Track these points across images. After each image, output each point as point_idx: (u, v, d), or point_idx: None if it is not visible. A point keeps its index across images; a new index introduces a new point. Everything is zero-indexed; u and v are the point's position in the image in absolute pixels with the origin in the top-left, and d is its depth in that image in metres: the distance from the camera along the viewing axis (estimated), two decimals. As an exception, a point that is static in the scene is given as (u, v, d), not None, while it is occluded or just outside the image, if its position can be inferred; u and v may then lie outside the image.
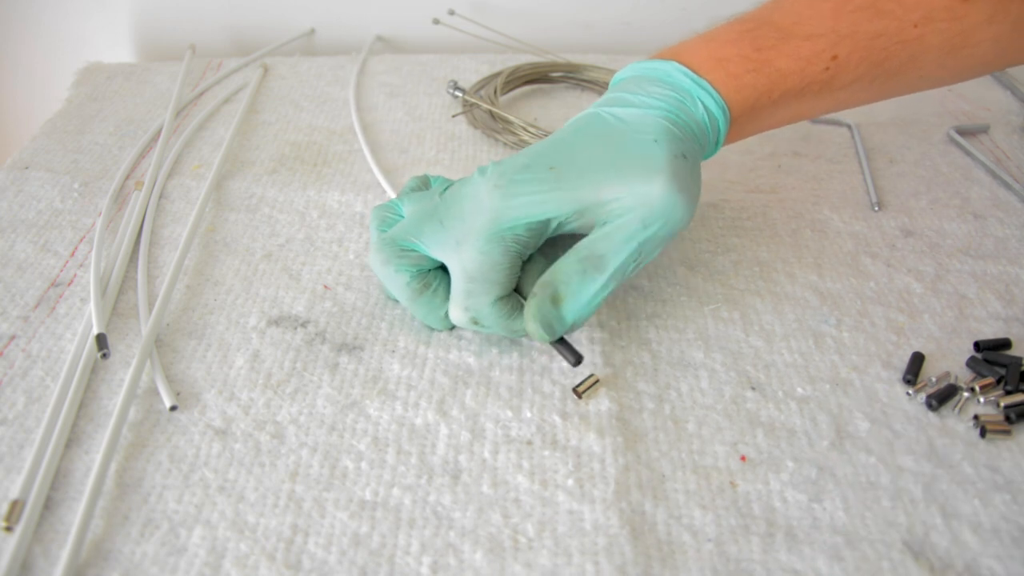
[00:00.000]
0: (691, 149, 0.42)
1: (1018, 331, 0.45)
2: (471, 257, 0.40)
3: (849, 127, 0.65)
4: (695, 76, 0.43)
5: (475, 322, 0.41)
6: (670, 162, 0.40)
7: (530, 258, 0.42)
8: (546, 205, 0.40)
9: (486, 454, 0.38)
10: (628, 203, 0.39)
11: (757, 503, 0.36)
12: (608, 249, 0.39)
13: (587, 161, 0.41)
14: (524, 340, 0.44)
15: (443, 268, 0.43)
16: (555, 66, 0.73)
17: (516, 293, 0.42)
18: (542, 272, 0.42)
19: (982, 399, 0.41)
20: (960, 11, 0.43)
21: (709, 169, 0.58)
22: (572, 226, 0.41)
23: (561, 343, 0.40)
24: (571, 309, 0.39)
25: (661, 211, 0.39)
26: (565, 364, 0.42)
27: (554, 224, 0.41)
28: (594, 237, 0.40)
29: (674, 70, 0.43)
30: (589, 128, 0.42)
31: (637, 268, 0.40)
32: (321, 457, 0.37)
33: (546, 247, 0.44)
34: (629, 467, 0.37)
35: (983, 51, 0.45)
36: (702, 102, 0.43)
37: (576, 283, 0.39)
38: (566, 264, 0.40)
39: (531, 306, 0.39)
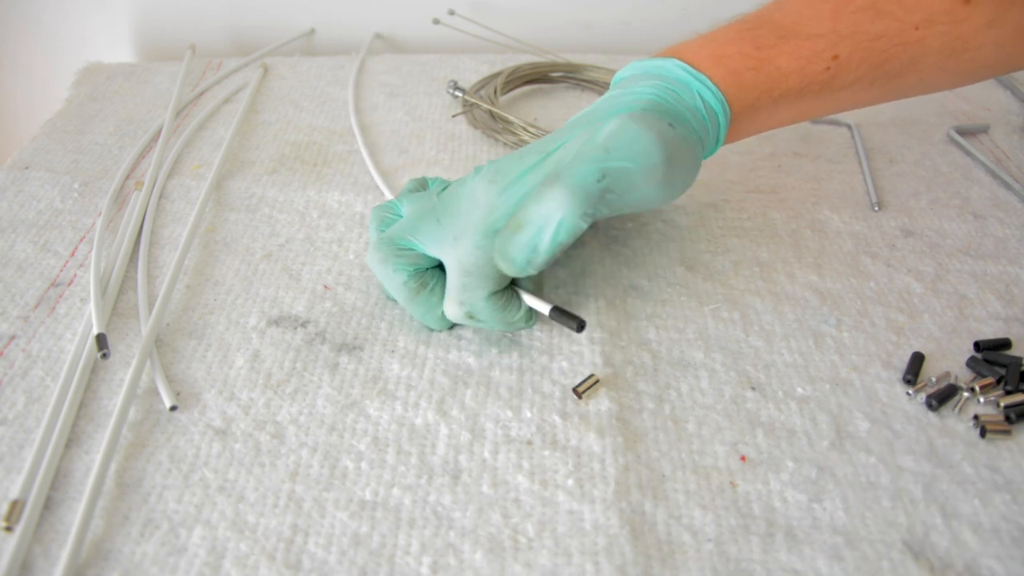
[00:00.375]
0: (683, 127, 0.41)
1: (1018, 331, 0.45)
2: (467, 252, 0.40)
3: (849, 127, 0.65)
4: (695, 72, 0.43)
5: (470, 316, 0.41)
6: (644, 112, 0.40)
7: None
8: (535, 184, 0.40)
9: (486, 454, 0.38)
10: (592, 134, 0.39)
11: (757, 503, 0.36)
12: (566, 165, 0.38)
13: (572, 138, 0.41)
14: (524, 339, 0.44)
15: (440, 267, 0.43)
16: (555, 66, 0.73)
17: (512, 287, 0.42)
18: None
19: (982, 399, 0.41)
20: (961, 14, 0.43)
21: (709, 169, 0.58)
22: None
23: (558, 312, 0.40)
24: (529, 232, 0.37)
25: (626, 140, 0.38)
26: (565, 364, 0.42)
27: None
28: (556, 167, 0.39)
29: (674, 66, 0.43)
30: (582, 120, 0.43)
31: (606, 198, 0.38)
32: (321, 457, 0.37)
33: None
34: (629, 467, 0.37)
35: (984, 55, 0.45)
36: (700, 95, 0.43)
37: (534, 204, 0.38)
38: (530, 195, 0.38)
39: (498, 241, 0.38)
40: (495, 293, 0.40)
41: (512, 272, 0.39)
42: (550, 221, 0.37)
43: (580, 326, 0.39)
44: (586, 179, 0.37)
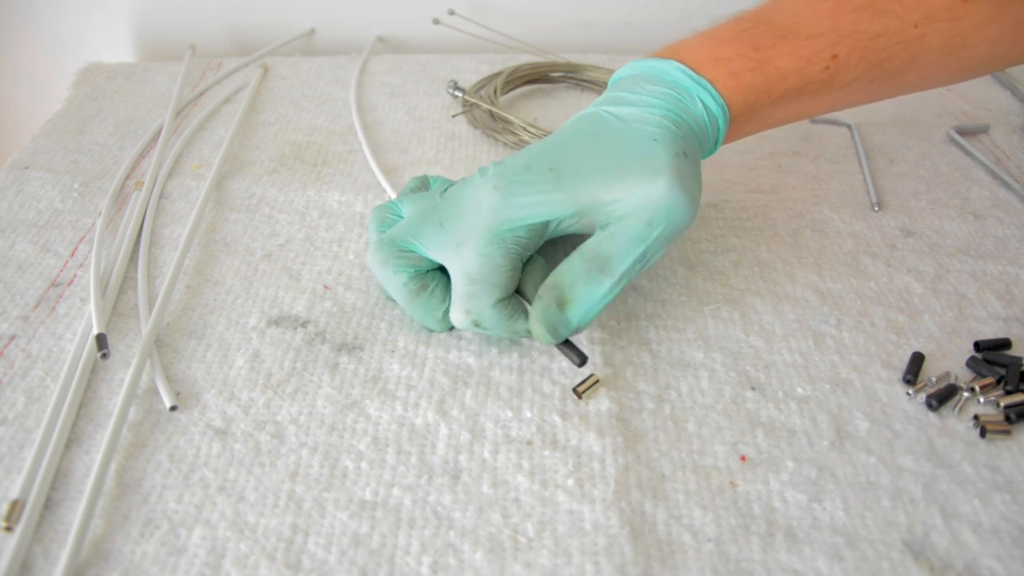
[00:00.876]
0: (691, 147, 0.42)
1: (1018, 331, 0.45)
2: (471, 260, 0.40)
3: (849, 127, 0.65)
4: (694, 74, 0.43)
5: (476, 324, 0.41)
6: (671, 161, 0.39)
7: (530, 259, 0.42)
8: (546, 207, 0.40)
9: (486, 454, 0.38)
10: (631, 204, 0.39)
11: (757, 503, 0.36)
12: (615, 251, 0.39)
13: (586, 162, 0.41)
14: (524, 340, 0.44)
15: (441, 269, 0.43)
16: (555, 66, 0.73)
17: (517, 294, 0.42)
18: (542, 272, 0.42)
19: (982, 399, 0.41)
20: (960, 11, 0.43)
21: (709, 169, 0.58)
22: (573, 228, 0.41)
23: (565, 344, 0.40)
24: (577, 312, 0.39)
25: (665, 212, 0.39)
26: (565, 363, 0.42)
27: (554, 226, 0.40)
28: (599, 238, 0.40)
29: (673, 68, 0.43)
30: (588, 128, 0.42)
31: (642, 270, 0.40)
32: (321, 457, 0.37)
33: (546, 247, 0.44)
34: (629, 467, 0.37)
35: (983, 51, 0.45)
36: (701, 100, 0.43)
37: (582, 286, 0.39)
38: (572, 266, 0.39)
39: (536, 309, 0.39)
40: (501, 301, 0.40)
41: (545, 341, 0.40)
42: (599, 304, 0.40)
43: (582, 361, 0.40)
44: (633, 264, 0.39)
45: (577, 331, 0.40)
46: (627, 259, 0.39)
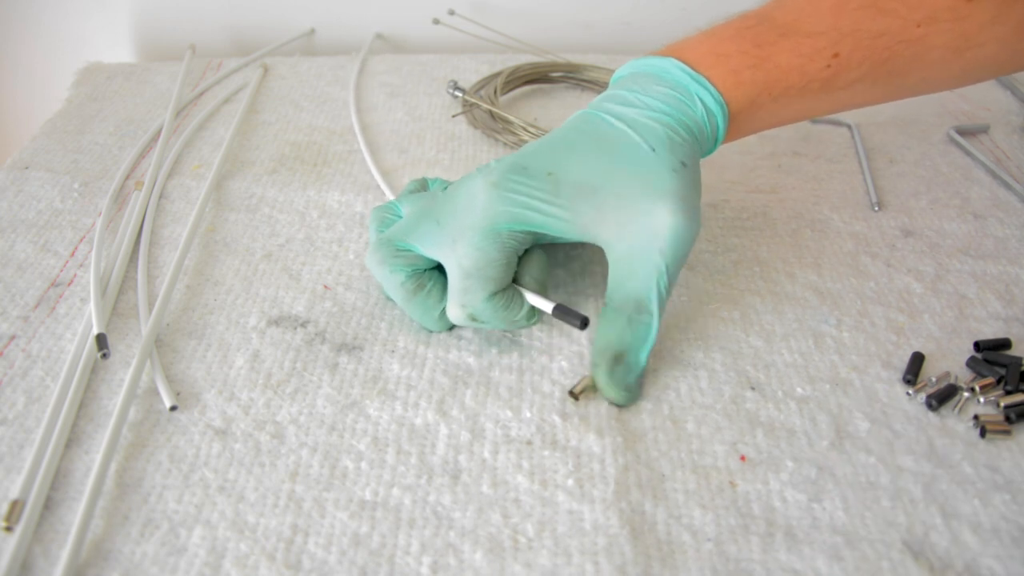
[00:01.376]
0: (690, 152, 0.42)
1: (1018, 331, 0.45)
2: (466, 254, 0.40)
3: (849, 127, 0.65)
4: (694, 73, 0.43)
5: (473, 318, 0.41)
6: (671, 179, 0.39)
7: (527, 250, 0.42)
8: (544, 217, 0.40)
9: (486, 454, 0.38)
10: (637, 238, 0.39)
11: (757, 503, 0.36)
12: (641, 289, 0.39)
13: (584, 172, 0.40)
14: (524, 339, 0.44)
15: (438, 269, 0.43)
16: (555, 66, 0.73)
17: (514, 285, 0.41)
18: (540, 264, 0.42)
19: (982, 399, 0.41)
20: (964, 11, 0.43)
21: (709, 169, 0.58)
22: (570, 240, 0.41)
23: (561, 310, 0.40)
24: (638, 359, 0.40)
25: (671, 239, 0.39)
26: (565, 364, 0.42)
27: (550, 235, 0.41)
28: (619, 282, 0.40)
29: (673, 67, 0.43)
30: (588, 130, 0.42)
31: (673, 287, 0.40)
32: (321, 457, 0.37)
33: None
34: (629, 467, 0.37)
35: (987, 53, 0.45)
36: (700, 99, 0.43)
37: (631, 335, 0.39)
38: (611, 321, 0.40)
39: (601, 378, 0.39)
40: (496, 293, 0.40)
41: (625, 401, 0.40)
42: (652, 340, 0.40)
43: (583, 323, 0.39)
44: (663, 292, 0.39)
45: (642, 374, 0.40)
46: (655, 291, 0.39)
